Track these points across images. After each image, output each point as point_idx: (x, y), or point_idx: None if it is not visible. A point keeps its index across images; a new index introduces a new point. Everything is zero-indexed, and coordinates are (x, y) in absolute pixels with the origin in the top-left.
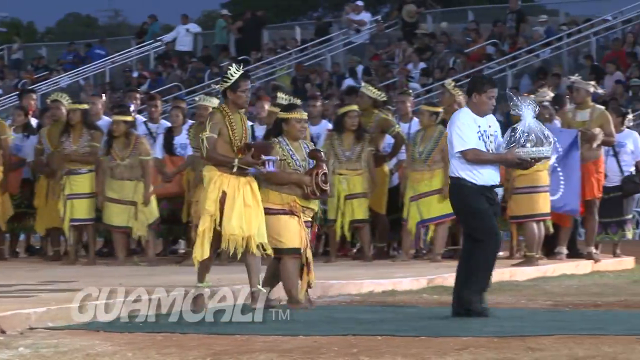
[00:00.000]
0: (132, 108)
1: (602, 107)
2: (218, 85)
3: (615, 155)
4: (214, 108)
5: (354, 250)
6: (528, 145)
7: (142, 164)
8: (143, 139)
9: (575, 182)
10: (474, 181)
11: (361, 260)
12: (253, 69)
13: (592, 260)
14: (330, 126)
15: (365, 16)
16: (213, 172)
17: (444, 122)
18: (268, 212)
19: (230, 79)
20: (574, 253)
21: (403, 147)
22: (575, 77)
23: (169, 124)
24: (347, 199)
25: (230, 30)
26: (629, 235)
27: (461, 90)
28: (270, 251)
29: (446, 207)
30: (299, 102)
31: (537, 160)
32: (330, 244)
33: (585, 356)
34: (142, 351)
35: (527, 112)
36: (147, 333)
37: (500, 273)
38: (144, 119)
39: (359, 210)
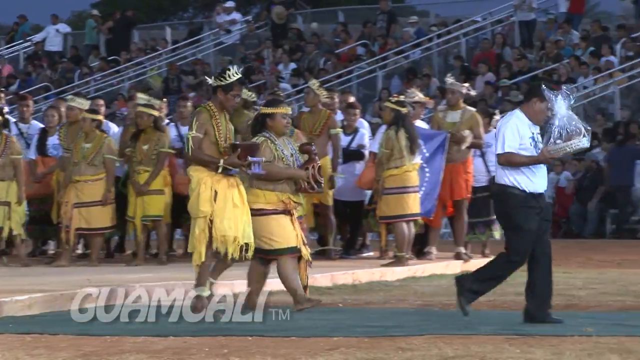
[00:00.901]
0: (6, 109)
1: (473, 109)
2: (211, 80)
3: (482, 155)
4: (200, 106)
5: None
6: (559, 141)
7: (14, 163)
8: (13, 138)
9: (433, 185)
10: (523, 188)
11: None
12: (123, 69)
13: (461, 260)
14: None
15: (236, 16)
16: (201, 172)
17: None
18: (262, 213)
19: (227, 80)
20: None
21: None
22: (450, 79)
23: (40, 125)
24: None
25: (100, 30)
26: (497, 235)
27: (326, 91)
28: (251, 253)
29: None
30: (158, 102)
31: (576, 151)
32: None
33: (454, 356)
34: (11, 352)
35: (559, 105)
36: (16, 334)
37: (370, 273)
38: (14, 120)
39: None
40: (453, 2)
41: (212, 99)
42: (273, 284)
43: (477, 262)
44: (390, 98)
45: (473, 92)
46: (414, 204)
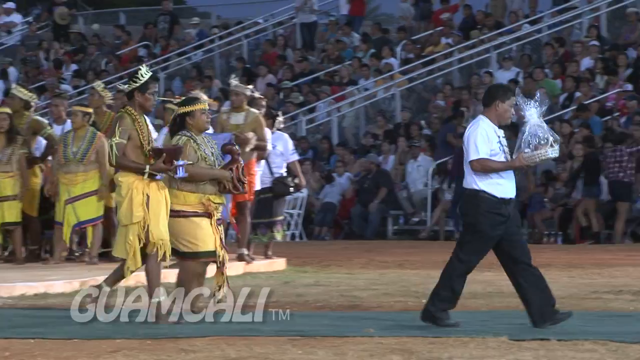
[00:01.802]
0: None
1: (257, 111)
2: (125, 85)
3: (266, 157)
4: (120, 112)
5: (6, 253)
6: (527, 150)
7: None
8: None
9: None
10: (493, 193)
11: (13, 262)
12: None
13: (244, 262)
14: None
15: (16, 18)
16: (129, 177)
17: (95, 124)
18: (181, 214)
19: (140, 80)
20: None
21: None
22: (234, 81)
23: None
24: None
25: None
26: (278, 237)
27: (110, 92)
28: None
29: (101, 209)
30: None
31: (544, 161)
32: None
33: (237, 357)
34: None
35: (531, 113)
36: None
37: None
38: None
39: (10, 213)
40: (235, 4)
41: (129, 103)
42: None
43: (259, 264)
44: (172, 100)
45: (257, 94)
46: None
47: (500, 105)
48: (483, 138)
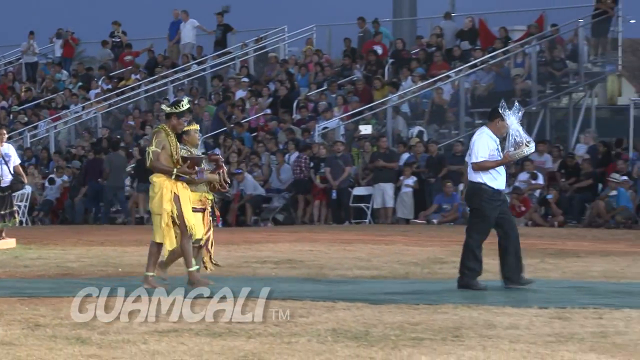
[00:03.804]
0: None
1: None
2: (168, 108)
3: (6, 164)
4: (157, 127)
5: None
6: (512, 149)
7: None
8: None
9: None
10: (492, 185)
11: None
12: None
13: None
14: None
15: None
16: (161, 178)
17: None
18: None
19: (180, 109)
20: None
21: None
22: None
23: None
24: None
25: None
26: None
27: None
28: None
29: None
30: None
31: (522, 157)
32: None
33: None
34: None
35: (512, 119)
36: None
37: None
38: None
39: None
40: None
41: (166, 122)
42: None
43: None
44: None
45: None
46: None
47: (500, 122)
48: (483, 145)
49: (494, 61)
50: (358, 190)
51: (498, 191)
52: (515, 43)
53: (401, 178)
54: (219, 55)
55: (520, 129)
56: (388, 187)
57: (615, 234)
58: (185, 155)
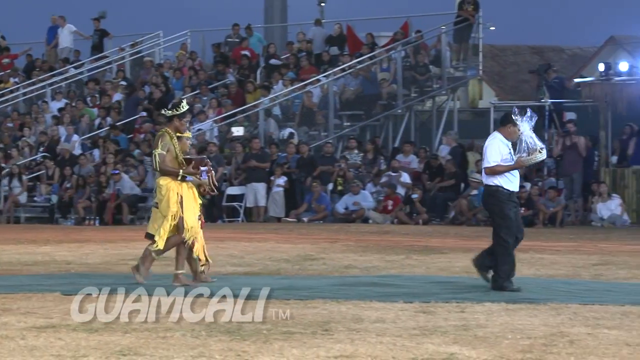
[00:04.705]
0: None
1: None
2: (169, 111)
3: None
4: (161, 131)
5: None
6: (524, 154)
7: None
8: None
9: None
10: (507, 188)
11: None
12: None
13: None
14: None
15: None
16: (168, 181)
17: None
18: None
19: (181, 110)
20: None
21: None
22: None
23: None
24: None
25: None
26: None
27: None
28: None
29: None
30: None
31: (535, 163)
32: None
33: None
34: None
35: (524, 126)
36: None
37: None
38: None
39: None
40: None
41: (168, 125)
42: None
43: None
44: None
45: None
46: None
47: (512, 127)
48: (495, 150)
49: (361, 66)
50: (231, 190)
51: (513, 193)
52: (382, 48)
53: (272, 178)
54: (96, 59)
55: (534, 135)
56: (260, 187)
57: (477, 231)
58: (188, 157)
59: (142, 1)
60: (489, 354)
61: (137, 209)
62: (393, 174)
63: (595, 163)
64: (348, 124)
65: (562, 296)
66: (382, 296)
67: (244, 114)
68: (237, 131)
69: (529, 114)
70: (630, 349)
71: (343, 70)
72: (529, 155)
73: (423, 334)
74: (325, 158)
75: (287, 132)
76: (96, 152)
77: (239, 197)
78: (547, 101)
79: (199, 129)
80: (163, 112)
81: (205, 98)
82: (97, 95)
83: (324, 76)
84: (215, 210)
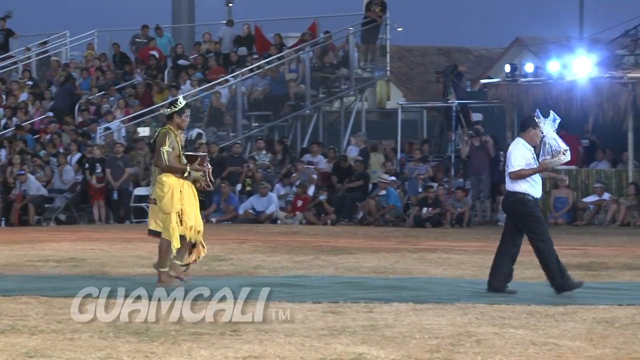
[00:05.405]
0: None
1: None
2: (168, 109)
3: None
4: (164, 129)
5: None
6: (548, 156)
7: None
8: None
9: None
10: (532, 193)
11: None
12: None
13: None
14: None
15: None
16: (170, 178)
17: None
18: None
19: (179, 106)
20: None
21: None
22: None
23: None
24: None
25: None
26: None
27: None
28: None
29: None
30: None
31: (558, 165)
32: None
33: None
34: None
35: (547, 128)
36: None
37: None
38: None
39: None
40: None
41: (169, 123)
42: None
43: None
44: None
45: None
46: None
47: (532, 131)
48: (519, 155)
49: (269, 66)
50: (139, 190)
51: (538, 200)
52: (290, 49)
53: None
54: (2, 59)
55: (557, 137)
56: None
57: (385, 232)
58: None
59: (48, 1)
60: (397, 353)
61: (43, 210)
62: (310, 166)
63: (501, 164)
64: (256, 124)
65: (469, 296)
66: (290, 296)
67: (152, 115)
68: (143, 132)
69: (551, 116)
70: (536, 348)
71: (251, 70)
72: (552, 158)
73: (331, 334)
74: (234, 158)
75: (195, 132)
76: (2, 153)
77: (147, 198)
78: (454, 102)
79: (106, 129)
80: (163, 112)
81: (112, 98)
82: (3, 95)
83: (232, 76)
84: (123, 211)
